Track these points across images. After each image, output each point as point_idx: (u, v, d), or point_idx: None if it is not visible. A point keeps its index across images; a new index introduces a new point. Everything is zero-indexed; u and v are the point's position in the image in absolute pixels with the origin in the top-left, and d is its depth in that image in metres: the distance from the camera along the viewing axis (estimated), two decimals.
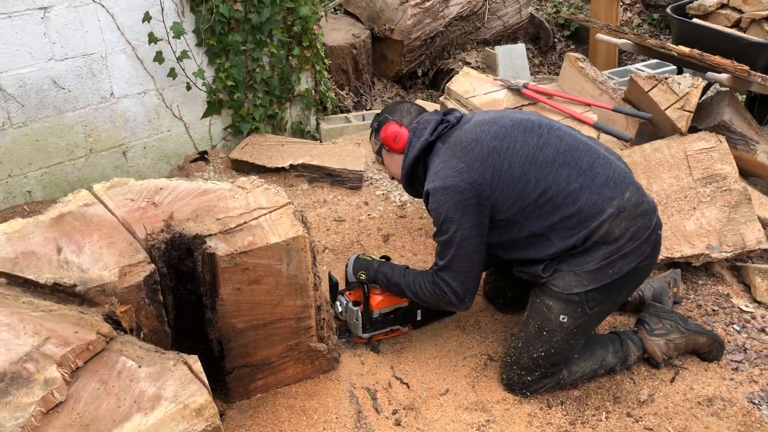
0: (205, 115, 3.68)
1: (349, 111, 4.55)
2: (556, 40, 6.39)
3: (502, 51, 4.90)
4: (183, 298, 1.94)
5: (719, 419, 2.27)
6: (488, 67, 4.99)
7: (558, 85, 3.76)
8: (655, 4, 6.08)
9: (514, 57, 5.00)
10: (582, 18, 3.84)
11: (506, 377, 2.35)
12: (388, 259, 2.51)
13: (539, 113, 2.41)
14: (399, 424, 2.16)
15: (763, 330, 2.71)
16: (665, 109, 3.14)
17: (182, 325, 1.95)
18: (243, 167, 3.63)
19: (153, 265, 1.73)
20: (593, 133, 3.17)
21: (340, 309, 2.44)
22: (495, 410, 2.26)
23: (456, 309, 2.27)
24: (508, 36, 5.80)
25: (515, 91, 3.12)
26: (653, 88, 3.18)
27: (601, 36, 3.75)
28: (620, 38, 3.68)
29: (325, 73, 3.97)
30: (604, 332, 2.62)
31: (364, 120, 4.31)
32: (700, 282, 2.97)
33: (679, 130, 3.14)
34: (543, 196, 2.12)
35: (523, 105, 3.07)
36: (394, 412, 2.20)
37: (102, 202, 1.93)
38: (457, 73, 5.29)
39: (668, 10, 3.90)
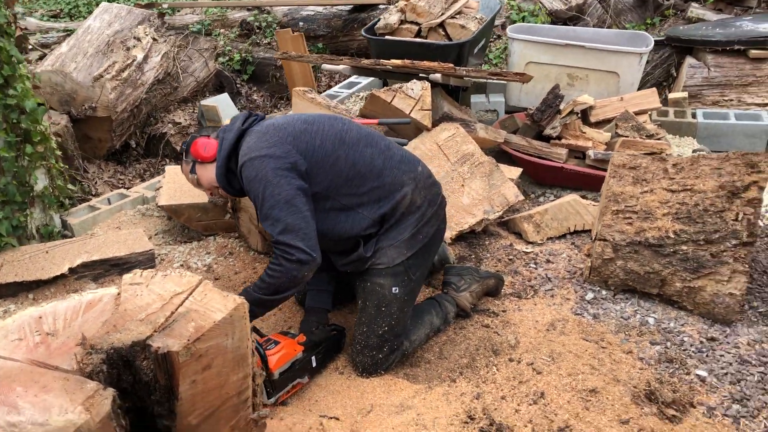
0: None
1: (87, 200, 4.19)
2: (238, 86, 6.65)
3: (218, 102, 4.99)
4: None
5: (567, 335, 2.78)
6: (210, 120, 5.03)
7: None
8: (314, 35, 6.72)
9: (224, 107, 5.12)
10: (295, 55, 4.16)
11: (360, 363, 2.55)
12: None
13: None
14: None
15: (548, 261, 3.35)
16: (409, 113, 3.63)
17: None
18: (8, 291, 3.14)
19: (111, 389, 1.53)
20: None
21: None
22: (415, 402, 2.44)
23: (310, 267, 2.32)
24: (201, 90, 5.88)
25: None
26: (394, 98, 3.65)
27: (326, 66, 4.12)
28: (339, 65, 4.10)
29: (61, 165, 3.63)
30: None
31: (110, 203, 4.02)
32: (488, 243, 3.53)
33: (425, 127, 3.66)
34: (352, 169, 2.40)
35: None
36: None
37: None
38: (172, 135, 5.24)
39: (363, 32, 4.46)
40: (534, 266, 3.30)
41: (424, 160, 3.54)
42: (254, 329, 2.53)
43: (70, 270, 3.21)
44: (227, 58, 6.68)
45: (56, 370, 1.58)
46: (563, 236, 3.58)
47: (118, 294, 1.88)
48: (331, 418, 2.36)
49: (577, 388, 2.45)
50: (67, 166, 3.91)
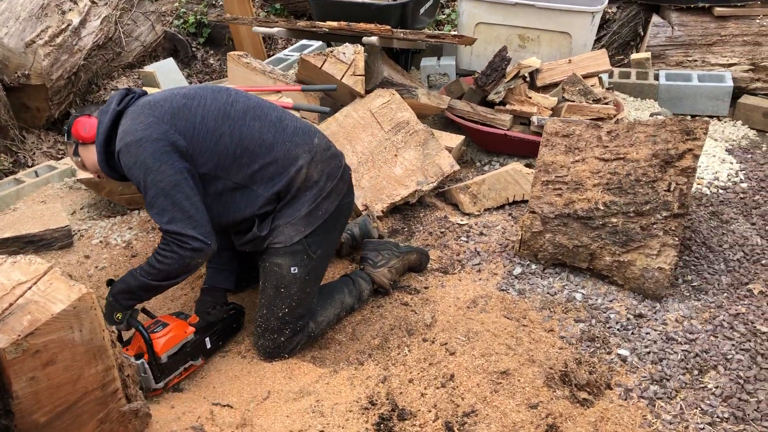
0: None
1: (15, 173, 4.03)
2: (194, 49, 6.41)
3: (156, 68, 4.78)
4: None
5: (488, 313, 2.66)
6: (148, 86, 4.83)
7: (229, 84, 3.84)
8: None
9: (168, 72, 4.91)
10: (229, 17, 3.95)
11: (262, 347, 2.44)
12: (113, 281, 2.33)
13: None
14: None
15: (481, 233, 3.22)
16: (341, 78, 3.45)
17: None
18: None
19: None
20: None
21: None
22: (317, 388, 2.33)
23: (205, 254, 2.19)
24: (150, 55, 5.65)
25: None
26: (324, 62, 3.46)
27: (257, 28, 3.92)
28: (273, 27, 3.89)
29: None
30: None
31: (37, 176, 3.86)
32: (422, 215, 3.39)
33: (359, 93, 3.48)
34: (239, 146, 2.24)
35: None
36: None
37: None
38: None
39: None
40: (465, 239, 3.16)
41: (356, 128, 3.39)
42: (144, 311, 2.41)
43: None
44: (182, 21, 6.42)
45: None
46: (502, 207, 3.44)
47: None
48: (224, 405, 2.24)
49: (488, 369, 2.34)
50: None
